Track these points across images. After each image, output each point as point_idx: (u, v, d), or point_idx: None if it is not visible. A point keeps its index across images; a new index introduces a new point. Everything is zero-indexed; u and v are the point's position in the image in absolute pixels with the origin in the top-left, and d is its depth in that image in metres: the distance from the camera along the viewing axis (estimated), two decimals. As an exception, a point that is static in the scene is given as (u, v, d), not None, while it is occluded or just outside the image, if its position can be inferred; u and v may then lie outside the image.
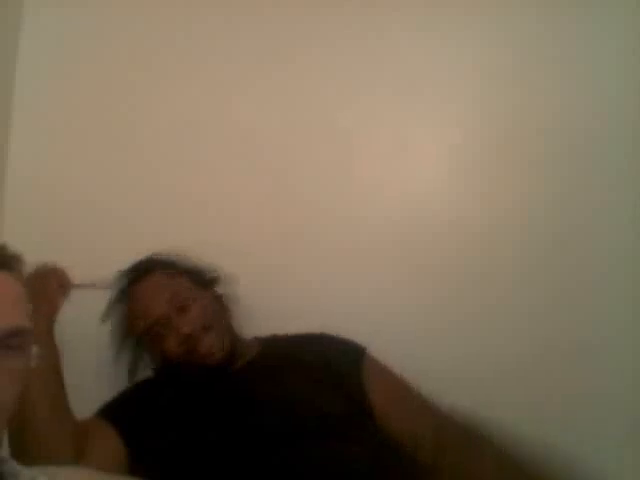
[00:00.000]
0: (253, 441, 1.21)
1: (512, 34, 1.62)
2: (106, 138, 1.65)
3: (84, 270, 1.58)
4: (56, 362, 1.24)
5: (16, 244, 1.66)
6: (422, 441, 1.28)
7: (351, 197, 1.60)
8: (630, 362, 1.48)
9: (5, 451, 1.11)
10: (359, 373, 1.36)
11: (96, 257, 1.57)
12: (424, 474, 1.26)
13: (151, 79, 1.66)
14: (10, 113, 1.64)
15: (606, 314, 1.50)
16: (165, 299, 1.35)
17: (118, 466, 1.23)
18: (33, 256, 1.65)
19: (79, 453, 1.19)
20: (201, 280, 1.42)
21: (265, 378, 1.32)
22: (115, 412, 1.30)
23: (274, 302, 1.49)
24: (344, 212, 1.59)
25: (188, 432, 1.25)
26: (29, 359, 0.81)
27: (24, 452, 1.14)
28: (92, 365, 1.45)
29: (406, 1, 1.64)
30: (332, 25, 1.65)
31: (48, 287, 1.27)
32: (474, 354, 1.51)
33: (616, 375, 1.48)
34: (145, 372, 1.41)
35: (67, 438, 1.19)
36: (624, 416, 1.47)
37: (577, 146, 1.57)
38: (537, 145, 1.58)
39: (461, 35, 1.63)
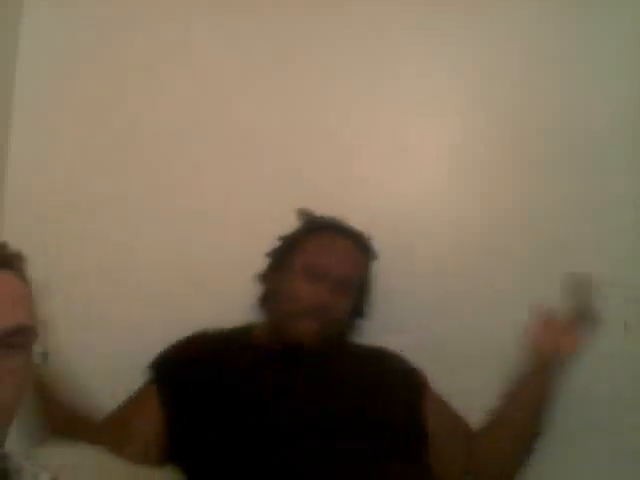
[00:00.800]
0: (283, 436, 1.23)
1: (512, 34, 1.61)
2: (106, 138, 1.64)
3: (84, 270, 1.58)
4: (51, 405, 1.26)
5: (16, 244, 1.66)
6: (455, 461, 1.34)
7: (351, 197, 1.60)
8: (630, 363, 1.48)
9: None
10: (419, 401, 1.37)
11: (96, 257, 1.57)
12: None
13: (151, 79, 1.66)
14: (10, 113, 1.64)
15: (606, 315, 1.50)
16: (353, 269, 1.40)
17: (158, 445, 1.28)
18: (33, 256, 1.66)
19: (117, 447, 1.22)
20: (362, 291, 1.44)
21: (316, 378, 1.33)
22: (167, 375, 1.34)
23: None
24: (344, 212, 1.58)
25: (221, 414, 1.27)
26: (31, 357, 0.81)
27: None
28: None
29: (406, 0, 1.64)
30: (332, 25, 1.65)
31: None
32: (474, 354, 1.51)
33: (615, 375, 1.48)
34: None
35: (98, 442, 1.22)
36: (624, 414, 1.48)
37: (577, 146, 1.57)
38: (537, 145, 1.58)
39: (461, 35, 1.63)
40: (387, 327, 1.52)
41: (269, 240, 1.48)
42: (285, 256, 1.42)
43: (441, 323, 1.53)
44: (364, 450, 1.23)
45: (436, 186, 1.60)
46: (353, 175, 1.61)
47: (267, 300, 1.42)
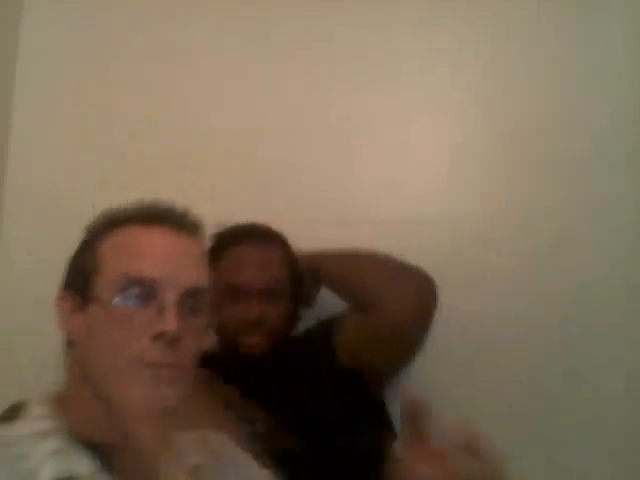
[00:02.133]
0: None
1: (513, 34, 1.61)
2: (106, 138, 1.64)
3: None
4: None
5: (16, 244, 1.67)
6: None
7: (351, 197, 1.60)
8: (630, 363, 1.48)
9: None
10: (331, 334, 1.37)
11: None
12: None
13: (151, 78, 1.66)
14: (10, 113, 1.64)
15: (606, 314, 1.50)
16: (273, 274, 1.34)
17: None
18: (33, 256, 1.66)
19: None
20: (297, 283, 1.41)
21: (268, 378, 1.32)
22: None
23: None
24: (344, 212, 1.58)
25: None
26: (207, 322, 0.87)
27: None
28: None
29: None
30: (332, 21, 1.65)
31: None
32: (473, 354, 1.51)
33: (615, 374, 1.48)
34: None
35: None
36: (624, 416, 1.47)
37: (577, 146, 1.57)
38: (537, 145, 1.57)
39: (462, 33, 1.63)
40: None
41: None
42: None
43: (439, 323, 1.53)
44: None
45: (436, 186, 1.60)
46: (353, 175, 1.61)
47: None
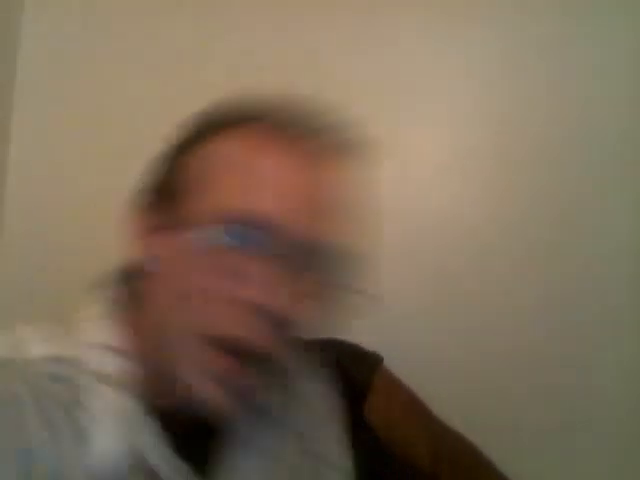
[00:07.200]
0: None
1: (513, 34, 1.61)
2: (106, 138, 1.65)
3: (84, 271, 1.57)
4: None
5: (16, 244, 1.67)
6: (418, 450, 1.28)
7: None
8: (631, 362, 1.49)
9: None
10: (369, 383, 1.35)
11: (96, 258, 1.57)
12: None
13: (152, 79, 1.66)
14: (10, 113, 1.64)
15: (607, 314, 1.50)
16: None
17: None
18: (33, 256, 1.67)
19: None
20: None
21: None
22: None
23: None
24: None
25: None
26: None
27: None
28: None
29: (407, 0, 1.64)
30: (332, 24, 1.65)
31: None
32: (472, 353, 1.51)
33: (615, 374, 1.48)
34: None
35: None
36: (627, 417, 1.48)
37: (577, 146, 1.57)
38: (538, 145, 1.58)
39: (463, 33, 1.63)
40: (384, 325, 1.52)
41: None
42: None
43: (440, 322, 1.53)
44: None
45: (436, 185, 1.60)
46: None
47: None
